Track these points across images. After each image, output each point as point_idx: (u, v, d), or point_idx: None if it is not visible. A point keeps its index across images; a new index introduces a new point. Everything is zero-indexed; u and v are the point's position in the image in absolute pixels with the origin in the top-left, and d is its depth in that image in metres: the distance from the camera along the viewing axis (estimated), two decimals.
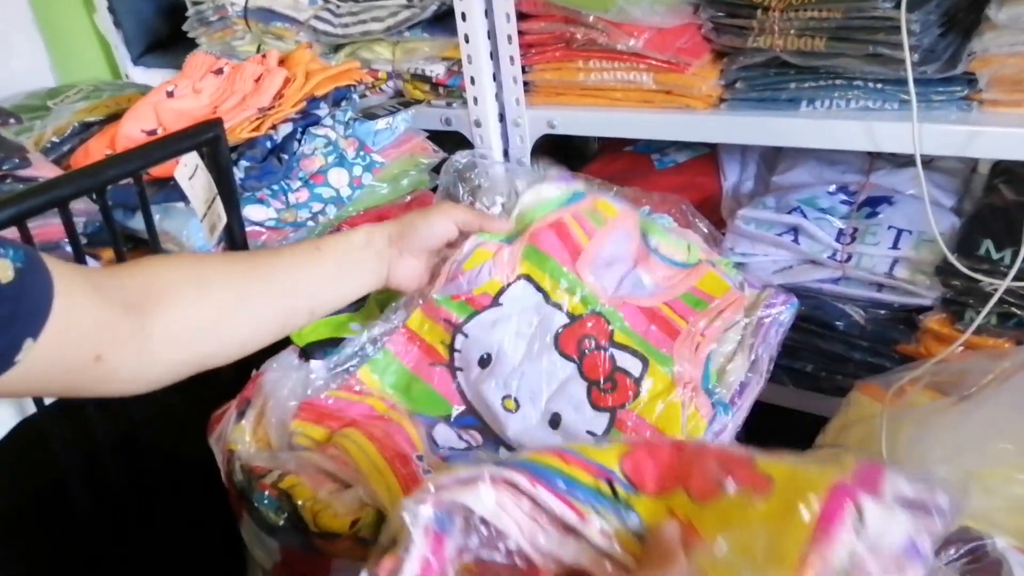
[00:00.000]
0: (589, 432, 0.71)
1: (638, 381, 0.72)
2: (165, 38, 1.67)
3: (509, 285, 0.78)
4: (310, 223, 1.01)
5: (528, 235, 0.79)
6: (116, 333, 0.56)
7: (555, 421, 0.73)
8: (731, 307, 0.81)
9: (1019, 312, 0.90)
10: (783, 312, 0.84)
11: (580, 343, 0.75)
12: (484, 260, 0.78)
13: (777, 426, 1.02)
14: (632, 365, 0.73)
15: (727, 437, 0.74)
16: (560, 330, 0.76)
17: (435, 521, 0.49)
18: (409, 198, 1.12)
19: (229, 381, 0.85)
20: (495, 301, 0.77)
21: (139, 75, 1.67)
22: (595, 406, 0.72)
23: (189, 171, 0.87)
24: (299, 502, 0.72)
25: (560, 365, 0.75)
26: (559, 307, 0.77)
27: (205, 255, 0.73)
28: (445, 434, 0.77)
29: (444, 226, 0.78)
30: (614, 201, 0.84)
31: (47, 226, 0.91)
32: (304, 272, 0.72)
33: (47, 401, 0.83)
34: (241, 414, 0.84)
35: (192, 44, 1.50)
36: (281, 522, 0.73)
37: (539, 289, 0.77)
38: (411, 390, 0.79)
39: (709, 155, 1.27)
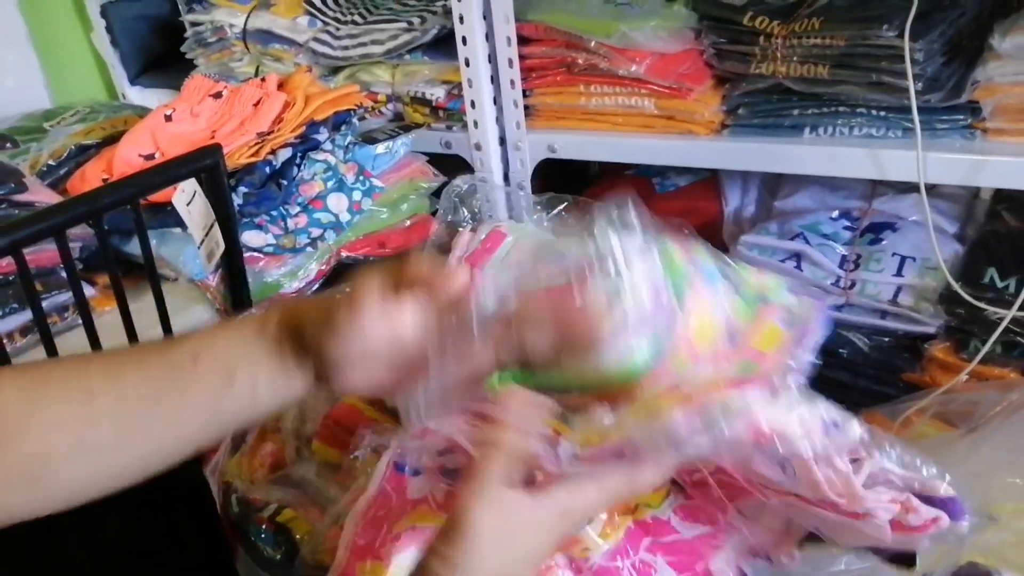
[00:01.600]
0: None
1: None
2: (162, 58, 1.66)
3: None
4: (308, 249, 1.00)
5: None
6: None
7: None
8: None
9: (1023, 341, 0.89)
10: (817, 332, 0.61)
11: None
12: None
13: None
14: None
15: None
16: None
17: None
18: (409, 223, 1.11)
19: None
20: None
21: (136, 95, 1.66)
22: None
23: (187, 197, 0.86)
24: (297, 536, 0.71)
25: None
26: None
27: (38, 367, 0.53)
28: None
29: (380, 336, 0.48)
30: (783, 324, 0.57)
31: (43, 251, 0.90)
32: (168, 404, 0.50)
33: None
34: (236, 446, 0.82)
35: (189, 64, 1.50)
36: (278, 556, 0.72)
37: None
38: None
39: (710, 179, 1.26)
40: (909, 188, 1.09)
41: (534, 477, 0.46)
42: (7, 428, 0.47)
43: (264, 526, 0.72)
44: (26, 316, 0.89)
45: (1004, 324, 0.84)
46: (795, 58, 0.92)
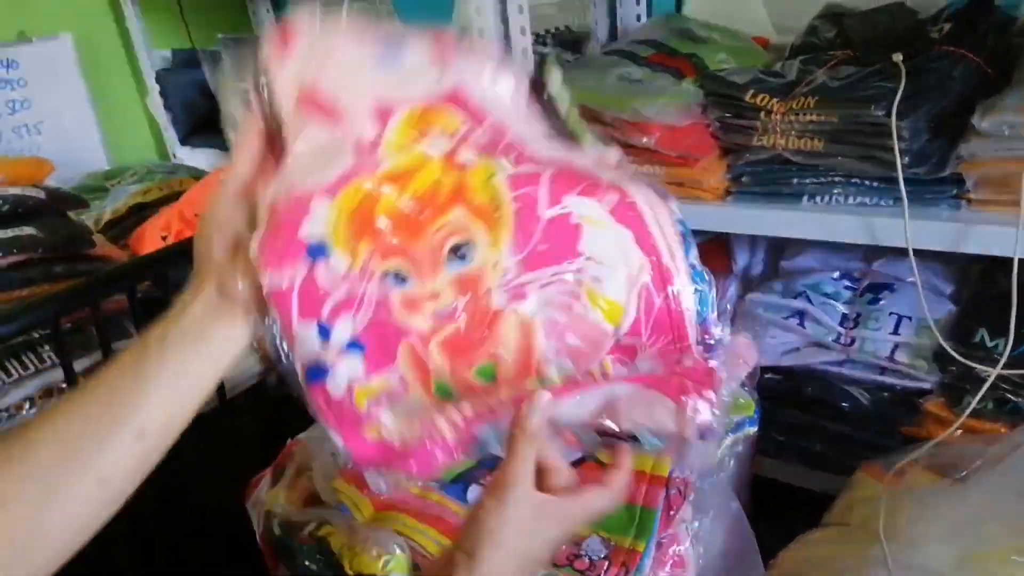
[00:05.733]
0: None
1: None
2: (210, 119, 1.79)
3: None
4: None
5: None
6: None
7: None
8: None
9: (1013, 398, 0.95)
10: None
11: None
12: None
13: (787, 504, 1.07)
14: None
15: None
16: None
17: None
18: None
19: (255, 448, 0.90)
20: None
21: (185, 154, 1.79)
22: None
23: None
24: (335, 549, 0.76)
25: None
26: None
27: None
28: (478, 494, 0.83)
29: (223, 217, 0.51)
30: None
31: (107, 301, 0.99)
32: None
33: None
34: (276, 480, 0.90)
35: None
36: (316, 567, 0.77)
37: None
38: None
39: (721, 239, 1.34)
40: (907, 252, 1.16)
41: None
42: None
43: (304, 543, 0.78)
44: (92, 359, 0.98)
45: (990, 381, 0.89)
46: (793, 132, 0.99)
